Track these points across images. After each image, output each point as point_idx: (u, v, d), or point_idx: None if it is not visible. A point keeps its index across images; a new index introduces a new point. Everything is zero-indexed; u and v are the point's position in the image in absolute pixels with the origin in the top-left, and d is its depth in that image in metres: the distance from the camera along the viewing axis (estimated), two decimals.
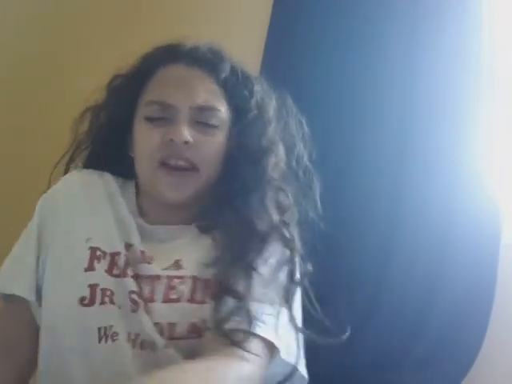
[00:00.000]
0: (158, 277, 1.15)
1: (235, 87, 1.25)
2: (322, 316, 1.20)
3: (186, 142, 1.17)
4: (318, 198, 1.29)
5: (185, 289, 1.13)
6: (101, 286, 1.13)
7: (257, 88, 1.28)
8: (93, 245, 1.17)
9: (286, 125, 1.31)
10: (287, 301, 1.13)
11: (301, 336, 1.14)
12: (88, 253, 1.17)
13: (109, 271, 1.15)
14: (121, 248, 1.18)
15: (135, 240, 1.19)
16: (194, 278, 1.15)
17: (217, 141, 1.22)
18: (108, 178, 1.28)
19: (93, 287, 1.13)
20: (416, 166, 1.78)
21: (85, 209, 1.22)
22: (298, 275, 1.18)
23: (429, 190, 1.77)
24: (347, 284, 1.77)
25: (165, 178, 1.18)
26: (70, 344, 1.12)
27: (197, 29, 2.02)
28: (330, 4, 1.89)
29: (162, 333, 1.10)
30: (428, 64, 1.79)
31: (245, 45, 1.90)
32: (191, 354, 1.07)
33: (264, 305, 1.09)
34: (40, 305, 1.18)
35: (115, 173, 1.29)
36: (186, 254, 1.18)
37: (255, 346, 1.05)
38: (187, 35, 1.29)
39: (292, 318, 1.13)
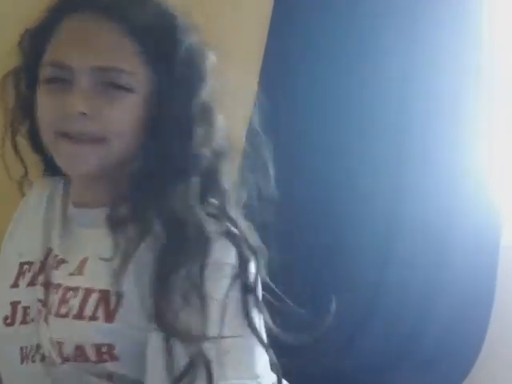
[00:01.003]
0: (58, 286, 1.00)
1: (155, 39, 1.00)
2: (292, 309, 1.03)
3: (84, 113, 0.96)
4: (271, 174, 1.05)
5: (75, 302, 0.96)
6: (22, 304, 1.03)
7: (186, 38, 1.01)
8: (22, 260, 1.07)
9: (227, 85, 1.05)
10: (247, 316, 0.94)
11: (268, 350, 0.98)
12: (17, 269, 1.06)
13: (30, 282, 1.04)
14: (41, 254, 1.05)
15: (54, 242, 1.05)
16: (88, 290, 0.97)
17: (128, 106, 0.98)
18: (57, 182, 1.13)
19: (14, 305, 1.03)
20: (415, 168, 1.78)
21: (23, 223, 1.13)
22: (251, 277, 0.97)
23: (428, 192, 1.77)
24: (346, 287, 1.77)
25: (63, 149, 0.99)
26: (1, 365, 1.05)
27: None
28: (329, 3, 1.89)
29: (54, 350, 0.96)
30: (428, 65, 1.79)
31: (245, 45, 1.90)
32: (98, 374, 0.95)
33: (225, 343, 0.91)
34: None
35: None
36: (95, 250, 1.00)
37: None
38: None
39: (259, 339, 0.96)
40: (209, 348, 0.89)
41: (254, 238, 0.99)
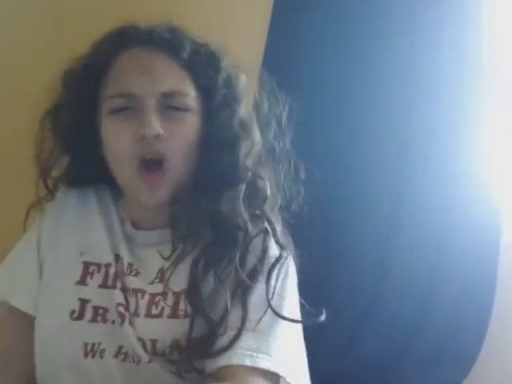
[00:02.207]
0: (142, 291, 1.12)
1: (200, 66, 1.15)
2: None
3: (158, 136, 1.09)
4: (300, 183, 1.23)
5: (167, 304, 1.10)
6: (93, 303, 1.12)
7: (223, 63, 1.17)
8: (86, 259, 1.16)
9: (259, 102, 1.22)
10: (281, 310, 1.06)
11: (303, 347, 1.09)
12: (81, 267, 1.15)
13: (103, 284, 1.14)
14: (111, 259, 1.16)
15: (122, 251, 1.16)
16: (177, 293, 1.10)
17: (188, 128, 1.12)
18: (102, 190, 1.24)
19: (83, 302, 1.12)
20: (416, 167, 1.78)
21: (77, 224, 1.20)
22: (292, 271, 1.14)
23: (429, 191, 1.77)
24: (347, 286, 1.77)
25: (143, 182, 1.11)
26: (60, 356, 1.11)
27: (196, 29, 2.02)
28: (329, 2, 1.89)
29: (145, 348, 1.08)
30: (428, 65, 1.79)
31: (245, 45, 1.89)
32: (177, 370, 1.06)
33: (262, 330, 1.03)
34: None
35: (101, 177, 1.21)
36: (163, 262, 1.13)
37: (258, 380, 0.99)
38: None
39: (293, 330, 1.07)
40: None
41: (284, 238, 1.16)
